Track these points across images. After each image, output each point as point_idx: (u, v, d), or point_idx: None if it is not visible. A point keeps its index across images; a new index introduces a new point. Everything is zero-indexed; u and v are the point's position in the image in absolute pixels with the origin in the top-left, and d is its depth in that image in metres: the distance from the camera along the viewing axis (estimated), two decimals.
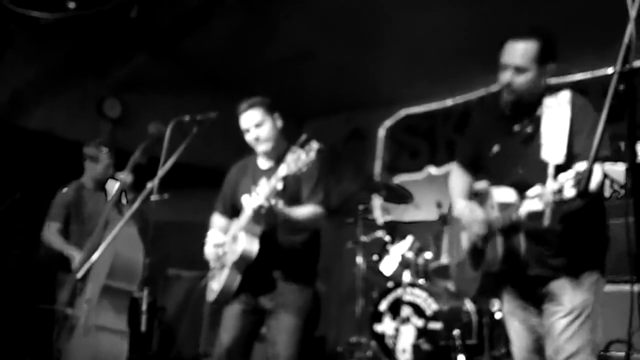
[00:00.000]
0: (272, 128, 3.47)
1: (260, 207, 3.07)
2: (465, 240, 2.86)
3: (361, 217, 6.26)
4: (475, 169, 3.04)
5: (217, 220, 3.68)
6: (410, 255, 5.48)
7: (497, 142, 2.86)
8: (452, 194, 3.11)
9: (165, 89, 7.15)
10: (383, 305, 5.32)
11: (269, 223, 3.25)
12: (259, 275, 3.32)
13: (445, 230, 5.51)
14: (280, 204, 3.16)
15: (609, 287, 4.12)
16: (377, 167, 7.99)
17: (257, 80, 7.12)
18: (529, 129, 2.72)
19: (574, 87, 6.37)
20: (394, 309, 5.22)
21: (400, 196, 6.19)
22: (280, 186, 3.09)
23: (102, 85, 6.84)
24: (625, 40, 2.04)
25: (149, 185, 3.58)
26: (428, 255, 5.50)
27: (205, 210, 3.81)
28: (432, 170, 7.52)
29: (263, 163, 3.56)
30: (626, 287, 2.40)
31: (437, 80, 7.18)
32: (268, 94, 3.57)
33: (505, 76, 2.78)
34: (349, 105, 8.21)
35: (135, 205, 3.62)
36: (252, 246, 3.25)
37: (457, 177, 3.13)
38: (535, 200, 2.30)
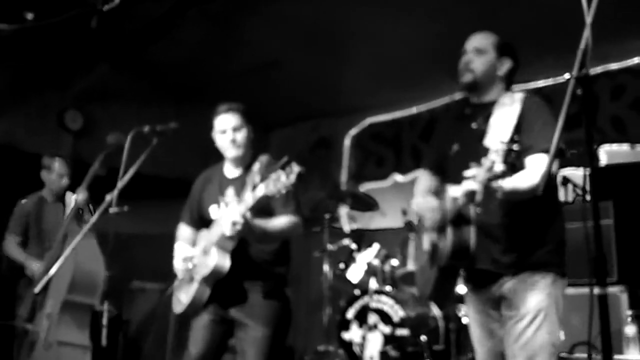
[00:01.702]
0: (247, 136, 3.47)
1: (234, 223, 3.04)
2: (426, 241, 2.87)
3: (328, 226, 6.25)
4: (441, 172, 3.04)
5: (184, 231, 3.64)
6: (376, 262, 5.48)
7: (456, 142, 2.90)
8: (414, 194, 3.12)
9: (128, 100, 7.08)
10: (350, 313, 5.31)
11: (247, 236, 3.22)
12: (228, 286, 3.29)
13: (411, 237, 5.53)
14: (255, 219, 3.14)
15: (572, 291, 4.20)
16: (344, 175, 8.00)
17: (222, 89, 7.09)
18: (483, 126, 2.74)
19: (537, 93, 6.51)
20: (361, 316, 5.21)
21: (366, 204, 6.20)
22: (247, 213, 3.06)
23: (63, 97, 6.74)
24: (582, 45, 2.07)
25: (108, 197, 3.53)
26: (394, 262, 5.51)
27: (170, 221, 3.77)
28: (398, 177, 7.54)
29: (230, 171, 3.53)
30: (587, 290, 2.41)
31: (402, 88, 7.22)
32: (233, 102, 3.55)
33: (465, 58, 2.92)
34: (315, 114, 8.22)
35: (94, 217, 3.56)
36: (224, 261, 3.22)
37: (422, 181, 3.15)
38: (471, 181, 2.32)
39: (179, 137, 3.76)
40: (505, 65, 2.91)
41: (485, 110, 2.79)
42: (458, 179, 2.59)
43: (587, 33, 2.08)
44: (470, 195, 2.35)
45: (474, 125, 2.82)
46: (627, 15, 5.32)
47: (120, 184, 3.49)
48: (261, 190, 3.00)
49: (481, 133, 2.69)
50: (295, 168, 2.92)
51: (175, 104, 7.57)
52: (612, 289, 4.11)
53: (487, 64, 2.86)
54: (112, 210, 3.52)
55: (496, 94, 2.83)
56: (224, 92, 6.71)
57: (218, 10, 5.70)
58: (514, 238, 2.64)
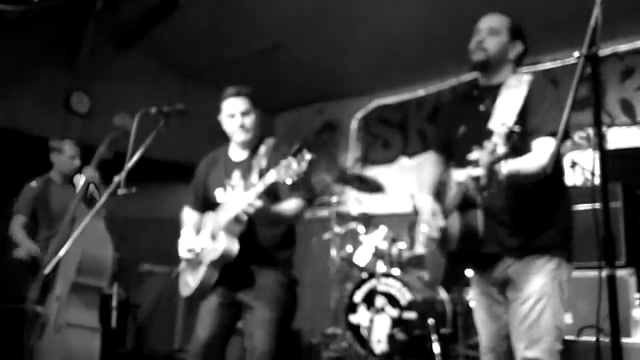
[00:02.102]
0: (255, 120, 3.46)
1: (249, 206, 3.04)
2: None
3: (335, 209, 6.26)
4: (448, 154, 3.03)
5: (189, 214, 3.63)
6: (383, 245, 5.48)
7: (463, 123, 2.88)
8: (419, 185, 3.10)
9: (135, 82, 7.05)
10: (358, 296, 5.32)
11: (261, 220, 3.24)
12: (236, 270, 3.29)
13: (418, 220, 5.51)
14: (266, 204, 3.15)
15: (580, 274, 4.19)
16: (350, 158, 7.99)
17: (228, 71, 7.08)
18: (490, 108, 2.72)
19: (545, 75, 6.45)
20: (369, 299, 5.21)
21: (373, 187, 6.19)
22: (263, 189, 3.06)
23: (69, 79, 6.72)
24: (592, 23, 2.04)
25: (116, 178, 3.52)
26: (402, 245, 5.50)
27: (178, 205, 3.76)
28: (405, 161, 7.52)
29: (236, 154, 3.52)
30: (596, 273, 2.40)
31: (408, 70, 7.19)
32: (240, 85, 3.54)
33: (479, 36, 2.88)
34: (321, 97, 8.19)
35: (102, 199, 3.55)
36: (233, 246, 3.22)
37: (428, 168, 3.12)
38: (474, 168, 2.31)
39: (186, 119, 3.74)
40: (517, 49, 2.90)
41: (493, 92, 2.77)
42: (464, 161, 2.57)
43: (597, 10, 2.05)
44: (475, 180, 2.34)
45: (481, 107, 2.81)
46: None
47: (127, 165, 3.49)
48: (272, 177, 3.00)
49: (488, 115, 2.67)
50: (307, 155, 2.92)
51: (181, 85, 7.56)
52: (621, 272, 4.08)
53: (500, 45, 2.85)
54: (121, 191, 3.52)
55: (504, 76, 2.81)
56: (230, 75, 6.74)
57: None
58: (519, 221, 2.64)
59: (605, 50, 5.99)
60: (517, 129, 2.17)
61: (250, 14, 6.34)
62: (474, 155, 2.28)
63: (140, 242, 6.59)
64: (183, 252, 3.42)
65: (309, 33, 6.58)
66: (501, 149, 2.17)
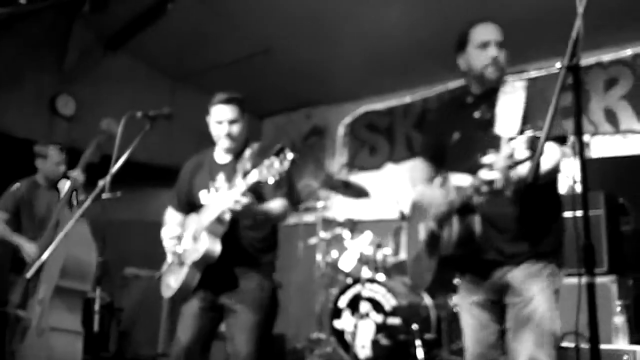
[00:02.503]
0: (242, 128, 3.46)
1: (236, 203, 3.04)
2: (422, 231, 2.84)
3: (321, 214, 6.27)
4: (438, 161, 3.00)
5: (172, 215, 3.64)
6: (369, 251, 5.50)
7: (457, 130, 2.85)
8: (411, 183, 3.07)
9: (122, 85, 7.04)
10: (342, 302, 5.33)
11: (248, 220, 3.25)
12: (218, 272, 3.29)
13: (404, 226, 5.54)
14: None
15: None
16: (337, 164, 8.01)
17: (216, 75, 7.08)
18: (487, 115, 2.72)
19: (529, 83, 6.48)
20: (353, 305, 5.22)
21: (358, 193, 6.21)
22: (245, 189, 3.06)
23: (55, 81, 6.69)
24: (573, 34, 2.07)
25: (101, 182, 3.52)
26: (387, 251, 5.52)
27: (164, 208, 3.76)
28: (391, 167, 7.55)
29: (221, 157, 3.53)
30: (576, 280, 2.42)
31: (396, 76, 7.22)
32: (228, 90, 3.54)
33: (492, 51, 2.80)
34: (308, 102, 8.21)
35: (86, 203, 3.55)
36: (215, 246, 3.23)
37: (418, 169, 3.10)
38: (487, 171, 2.28)
39: (173, 123, 3.74)
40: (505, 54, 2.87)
41: (488, 99, 2.77)
42: (457, 168, 2.59)
43: (578, 22, 2.08)
44: (488, 183, 2.30)
45: (476, 114, 2.80)
46: (620, 5, 5.32)
47: (112, 169, 3.48)
48: (254, 176, 3.00)
49: (486, 122, 2.68)
50: (289, 155, 2.92)
51: (169, 89, 7.55)
52: (603, 279, 4.12)
53: (506, 59, 2.83)
54: (105, 195, 3.51)
55: (496, 83, 2.80)
56: (218, 79, 6.75)
57: None
58: (521, 228, 2.63)
59: (589, 60, 6.06)
60: (537, 134, 2.12)
61: (239, 19, 6.36)
62: (488, 159, 2.26)
63: (126, 246, 6.56)
64: (167, 242, 3.40)
65: (298, 38, 6.60)
66: (522, 154, 2.13)
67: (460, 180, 2.52)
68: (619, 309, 3.93)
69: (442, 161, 2.95)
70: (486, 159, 2.28)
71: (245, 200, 3.04)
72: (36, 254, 4.24)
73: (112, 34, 6.76)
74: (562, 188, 4.88)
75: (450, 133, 2.88)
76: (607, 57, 6.09)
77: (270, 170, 2.94)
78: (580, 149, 2.08)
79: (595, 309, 1.94)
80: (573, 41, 2.06)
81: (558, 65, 2.08)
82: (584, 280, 1.97)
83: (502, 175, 2.22)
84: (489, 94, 2.78)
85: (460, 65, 2.92)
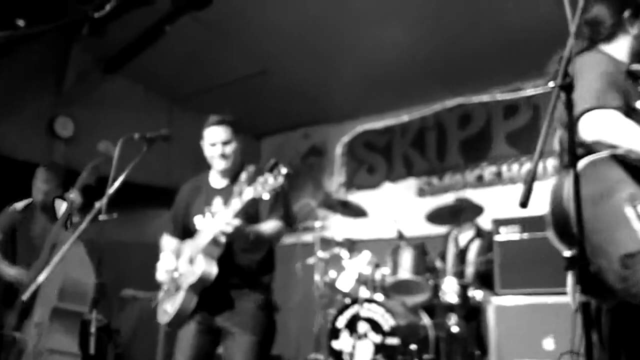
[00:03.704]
0: (236, 149, 3.48)
1: (226, 226, 3.05)
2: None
3: (319, 234, 6.27)
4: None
5: (168, 241, 3.63)
6: (367, 271, 5.48)
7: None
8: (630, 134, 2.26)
9: (120, 107, 7.07)
10: (340, 322, 5.30)
11: (239, 240, 3.24)
12: (215, 295, 3.29)
13: (402, 245, 5.52)
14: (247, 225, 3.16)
15: (562, 299, 4.21)
16: (335, 183, 8.02)
17: (215, 97, 7.12)
18: None
19: (527, 102, 6.54)
20: (352, 325, 5.20)
21: (357, 212, 6.22)
22: (240, 207, 3.07)
23: (54, 103, 6.72)
24: (566, 54, 2.09)
25: (97, 204, 3.52)
26: (385, 270, 5.50)
27: (161, 230, 3.76)
28: (389, 185, 7.57)
29: (217, 182, 3.54)
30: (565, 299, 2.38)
31: (393, 95, 7.26)
32: (225, 111, 3.57)
33: None
34: (306, 122, 8.25)
35: (83, 225, 3.54)
36: (211, 269, 3.23)
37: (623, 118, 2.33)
38: None
39: (171, 144, 3.75)
40: None
41: None
42: None
43: (571, 41, 2.09)
44: None
45: None
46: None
47: (109, 191, 3.49)
48: (249, 194, 3.02)
49: None
50: (283, 169, 2.94)
51: (166, 111, 7.58)
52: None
53: None
54: (102, 217, 3.50)
55: None
56: (216, 100, 6.78)
57: (209, 17, 5.72)
58: None
59: None
60: None
61: (236, 40, 6.39)
62: None
63: (124, 267, 6.54)
64: (162, 273, 3.41)
65: (295, 58, 6.64)
66: None
67: None
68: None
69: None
70: None
71: (236, 222, 3.04)
72: (23, 276, 4.23)
73: (111, 57, 6.79)
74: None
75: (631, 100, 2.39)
76: None
77: (265, 186, 2.95)
78: (573, 165, 2.07)
79: (590, 328, 1.93)
80: (565, 60, 2.07)
81: (551, 84, 2.09)
82: (579, 299, 1.97)
83: None
84: None
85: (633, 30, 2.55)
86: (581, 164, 2.19)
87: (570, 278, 2.36)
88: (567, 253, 2.08)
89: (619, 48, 2.54)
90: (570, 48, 2.09)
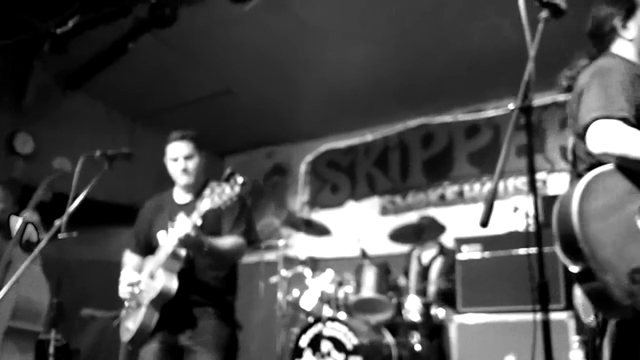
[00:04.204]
0: (198, 164, 3.50)
1: (187, 235, 3.03)
2: None
3: (282, 253, 6.26)
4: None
5: (130, 258, 3.60)
6: (330, 289, 5.48)
7: None
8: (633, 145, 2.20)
9: (81, 124, 6.98)
10: (303, 341, 5.27)
11: (194, 251, 3.22)
12: (176, 312, 3.26)
13: (365, 264, 5.54)
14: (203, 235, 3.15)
15: (522, 317, 4.27)
16: (299, 202, 8.02)
17: (177, 115, 7.08)
18: None
19: (487, 123, 6.64)
20: (315, 344, 5.17)
21: (320, 231, 6.23)
22: (199, 221, 3.07)
23: (13, 120, 6.61)
24: (525, 77, 2.14)
25: (57, 222, 3.46)
26: (348, 289, 5.51)
27: (122, 248, 3.72)
28: (353, 204, 7.60)
29: (180, 197, 3.54)
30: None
31: (356, 115, 7.33)
32: (189, 129, 3.58)
33: None
34: (270, 141, 8.25)
35: (41, 243, 3.48)
36: (171, 283, 3.21)
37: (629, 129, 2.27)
38: None
39: (132, 162, 3.71)
40: None
41: None
42: None
43: (530, 65, 2.15)
44: None
45: None
46: (573, 46, 5.48)
47: (69, 209, 3.43)
48: (207, 204, 3.02)
49: None
50: (239, 179, 2.96)
51: (129, 129, 7.51)
52: (560, 316, 4.18)
53: None
54: (61, 235, 3.45)
55: None
56: (179, 118, 6.74)
57: (173, 36, 5.71)
58: None
59: (545, 99, 6.23)
60: None
61: (200, 58, 6.39)
62: None
63: (83, 286, 6.43)
64: (123, 288, 3.37)
65: (259, 77, 6.65)
66: None
67: None
68: (576, 345, 3.98)
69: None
70: None
71: (193, 232, 3.03)
72: None
73: (72, 73, 6.72)
74: (520, 225, 5.00)
75: None
76: (562, 96, 6.26)
77: (222, 196, 2.96)
78: (533, 186, 2.12)
79: (550, 346, 1.96)
80: (525, 83, 2.12)
81: (511, 106, 2.13)
82: (539, 317, 2.00)
83: None
84: None
85: (628, 33, 2.51)
86: (588, 177, 2.16)
87: (578, 294, 2.38)
88: (574, 269, 2.10)
89: (627, 49, 2.51)
90: (529, 71, 2.15)
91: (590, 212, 2.09)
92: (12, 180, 4.92)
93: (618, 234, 2.09)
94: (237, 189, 2.95)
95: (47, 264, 4.16)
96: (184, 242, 3.09)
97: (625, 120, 2.19)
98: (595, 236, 2.05)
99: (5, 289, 3.35)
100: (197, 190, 3.46)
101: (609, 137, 2.18)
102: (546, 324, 1.99)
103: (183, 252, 3.20)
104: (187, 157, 3.47)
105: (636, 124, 2.21)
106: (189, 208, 3.35)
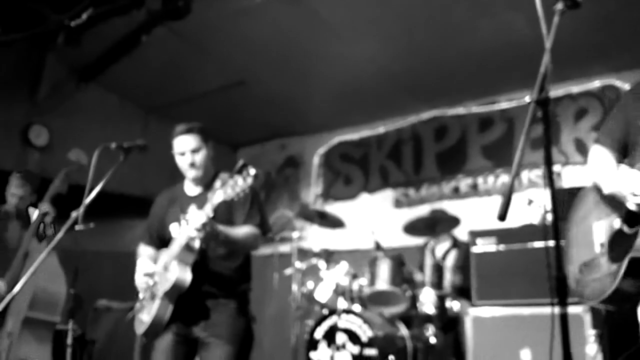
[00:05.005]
0: (206, 156, 3.47)
1: (202, 226, 3.03)
2: (602, 231, 2.57)
3: (296, 245, 6.26)
4: (622, 153, 2.69)
5: (144, 250, 3.61)
6: (344, 281, 5.48)
7: None
8: (596, 171, 2.70)
9: (95, 116, 7.01)
10: (318, 333, 5.29)
11: (209, 242, 3.22)
12: (191, 304, 3.27)
13: (379, 256, 5.54)
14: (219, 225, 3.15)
15: (537, 310, 4.25)
16: (312, 194, 8.02)
17: (191, 106, 7.09)
18: None
19: (501, 115, 6.61)
20: (329, 336, 5.19)
21: (334, 223, 6.22)
22: (211, 213, 3.07)
23: (28, 112, 6.65)
24: (541, 70, 2.12)
25: (74, 214, 3.48)
26: (362, 281, 5.51)
27: (137, 239, 3.73)
28: (366, 196, 7.59)
29: (191, 189, 3.54)
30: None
31: (369, 108, 7.32)
32: (202, 121, 3.56)
33: None
34: (283, 133, 8.25)
35: (59, 235, 3.50)
36: (185, 275, 3.21)
37: (601, 156, 2.73)
38: None
39: (146, 154, 3.72)
40: None
41: None
42: None
43: (546, 58, 2.13)
44: None
45: None
46: (588, 40, 5.45)
47: (86, 201, 3.45)
48: (219, 197, 3.02)
49: None
50: (251, 170, 2.95)
51: (142, 120, 7.53)
52: (576, 309, 4.15)
53: None
54: (78, 227, 3.47)
55: None
56: (192, 111, 6.76)
57: (186, 28, 5.71)
58: None
59: (559, 92, 6.19)
60: None
61: (214, 51, 6.38)
62: None
63: (98, 277, 6.48)
64: (139, 278, 3.38)
65: (272, 70, 6.64)
66: None
67: None
68: (592, 338, 3.96)
69: (625, 155, 2.69)
70: None
71: (208, 224, 3.03)
72: (3, 288, 4.17)
73: (86, 66, 6.74)
74: (535, 218, 4.98)
75: (637, 121, 2.62)
76: (576, 88, 6.23)
77: (235, 188, 2.96)
78: (550, 179, 2.10)
79: (568, 340, 1.95)
80: (541, 76, 2.10)
81: (527, 99, 2.11)
82: (557, 311, 1.98)
83: None
84: None
85: None
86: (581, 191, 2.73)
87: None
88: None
89: None
90: (545, 64, 2.13)
91: (574, 219, 2.77)
92: (29, 171, 4.95)
93: (581, 238, 2.69)
94: (249, 180, 2.95)
95: (64, 255, 4.19)
96: (200, 233, 3.09)
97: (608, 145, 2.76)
98: (570, 238, 2.75)
99: (23, 280, 3.39)
100: (208, 182, 3.45)
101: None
102: (564, 318, 1.97)
103: (197, 244, 3.20)
104: (195, 151, 3.43)
105: None
106: (200, 200, 3.35)
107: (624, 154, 2.68)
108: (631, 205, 2.42)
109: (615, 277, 2.44)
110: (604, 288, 2.49)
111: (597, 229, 2.63)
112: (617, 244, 2.48)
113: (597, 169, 2.71)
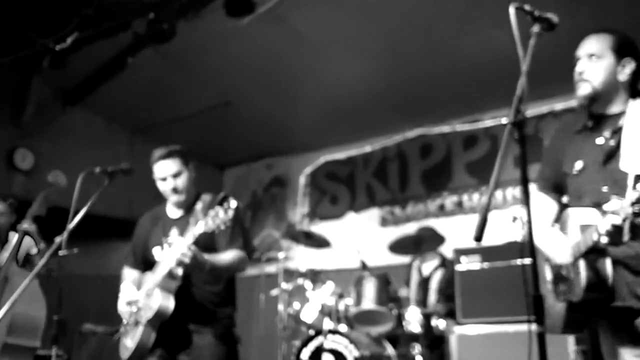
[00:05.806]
0: (188, 179, 3.46)
1: (185, 259, 3.03)
2: (548, 272, 2.59)
3: (282, 265, 6.26)
4: (559, 191, 2.71)
5: (128, 273, 3.60)
6: (330, 301, 5.48)
7: (580, 159, 2.55)
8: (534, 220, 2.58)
9: (81, 139, 7.01)
10: (305, 354, 5.27)
11: (194, 271, 3.21)
12: (174, 329, 3.26)
13: (365, 275, 5.55)
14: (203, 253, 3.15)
15: (516, 328, 4.27)
16: (298, 214, 8.03)
17: (176, 128, 7.11)
18: (612, 142, 2.45)
19: (485, 133, 6.65)
20: (316, 357, 5.17)
21: (320, 242, 6.23)
22: (192, 246, 3.06)
23: (13, 135, 6.63)
24: (517, 92, 2.15)
25: (57, 239, 3.47)
26: (349, 301, 5.50)
27: (122, 262, 3.73)
28: (353, 216, 7.61)
29: (173, 212, 3.54)
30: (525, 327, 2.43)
31: (355, 126, 7.35)
32: (188, 142, 3.57)
33: (578, 66, 2.58)
34: (269, 152, 8.28)
35: (42, 261, 3.49)
36: (168, 303, 3.21)
37: (541, 203, 2.73)
38: (613, 215, 2.10)
39: (131, 176, 3.73)
40: (628, 68, 2.52)
41: (612, 123, 2.50)
42: (580, 201, 2.47)
43: (522, 80, 2.16)
44: (614, 233, 2.12)
45: (598, 141, 2.50)
46: (569, 57, 5.51)
47: (70, 225, 3.44)
48: (200, 228, 3.02)
49: (609, 150, 2.44)
50: (232, 203, 2.96)
51: (128, 142, 7.54)
52: None
53: (603, 71, 2.52)
54: (62, 252, 3.45)
55: (622, 104, 2.52)
56: (178, 131, 6.78)
57: (172, 49, 5.74)
58: None
59: (543, 109, 6.25)
60: None
61: (199, 72, 6.42)
62: (612, 205, 2.12)
63: (83, 301, 6.44)
64: (122, 305, 3.37)
65: (258, 90, 6.68)
66: None
67: (584, 217, 2.33)
68: (572, 356, 3.98)
69: (562, 192, 2.69)
70: (609, 206, 2.13)
71: (190, 253, 3.03)
72: None
73: (71, 88, 6.76)
74: (517, 236, 5.00)
75: (571, 161, 2.59)
76: (559, 105, 6.29)
77: (215, 220, 2.96)
78: (526, 198, 2.13)
79: (546, 358, 1.96)
80: (517, 98, 2.14)
81: (504, 120, 2.15)
82: (534, 328, 1.99)
83: (629, 226, 2.08)
84: (613, 118, 2.51)
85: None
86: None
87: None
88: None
89: None
90: (521, 86, 2.16)
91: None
92: (6, 195, 4.91)
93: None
94: (230, 213, 2.96)
95: (46, 279, 4.16)
96: (184, 265, 3.09)
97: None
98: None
99: (5, 307, 3.36)
100: (190, 203, 3.46)
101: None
102: (541, 337, 1.99)
103: (180, 272, 3.20)
104: (176, 175, 3.41)
105: None
106: (181, 223, 3.36)
107: (561, 192, 2.70)
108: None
109: (562, 315, 2.49)
110: (557, 325, 2.53)
111: (546, 266, 2.62)
112: (559, 284, 2.51)
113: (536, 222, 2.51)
